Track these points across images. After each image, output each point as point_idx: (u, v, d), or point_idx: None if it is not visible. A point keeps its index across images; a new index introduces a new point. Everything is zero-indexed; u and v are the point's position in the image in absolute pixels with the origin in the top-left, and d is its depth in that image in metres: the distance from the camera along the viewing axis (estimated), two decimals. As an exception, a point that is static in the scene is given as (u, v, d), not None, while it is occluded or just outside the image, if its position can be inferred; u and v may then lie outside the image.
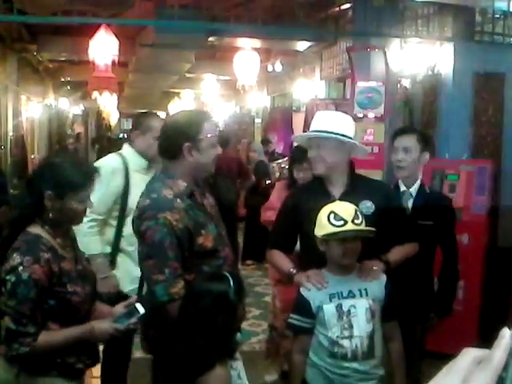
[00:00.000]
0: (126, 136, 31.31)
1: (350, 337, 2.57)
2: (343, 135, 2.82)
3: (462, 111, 5.86)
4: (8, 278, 2.15)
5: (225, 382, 2.21)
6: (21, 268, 2.14)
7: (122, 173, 3.47)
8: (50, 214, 2.25)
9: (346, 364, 2.58)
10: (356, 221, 2.54)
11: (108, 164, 3.50)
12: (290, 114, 11.92)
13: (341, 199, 2.79)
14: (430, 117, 6.18)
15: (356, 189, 2.87)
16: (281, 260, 3.02)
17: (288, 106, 12.40)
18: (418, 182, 3.47)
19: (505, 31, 5.93)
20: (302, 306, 2.68)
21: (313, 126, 2.93)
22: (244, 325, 5.42)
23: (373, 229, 2.56)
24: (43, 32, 10.01)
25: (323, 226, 2.58)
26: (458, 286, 3.82)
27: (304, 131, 8.80)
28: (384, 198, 2.91)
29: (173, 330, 2.28)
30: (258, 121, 14.36)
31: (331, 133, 2.83)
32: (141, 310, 2.34)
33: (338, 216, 2.55)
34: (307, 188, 3.16)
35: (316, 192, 2.94)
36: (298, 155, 4.38)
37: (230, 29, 7.07)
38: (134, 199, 2.91)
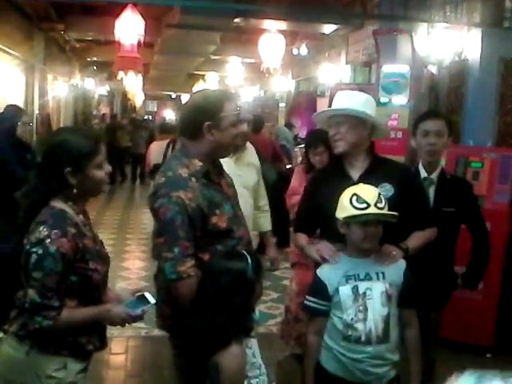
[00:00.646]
0: (150, 118, 31.61)
1: (365, 319, 2.55)
2: (363, 113, 2.80)
3: (488, 98, 5.78)
4: (34, 250, 2.12)
5: (240, 359, 2.22)
6: (48, 241, 2.12)
7: None
8: (75, 190, 2.25)
9: (360, 348, 2.56)
10: (379, 204, 2.51)
11: None
12: (315, 98, 11.86)
13: (359, 181, 2.76)
14: (456, 103, 6.11)
15: (375, 171, 2.83)
16: (304, 242, 3.03)
17: (312, 91, 12.34)
18: (439, 168, 3.44)
19: (534, 17, 5.81)
20: (319, 288, 2.66)
21: (333, 105, 2.91)
22: (262, 307, 5.53)
23: (396, 213, 2.52)
24: (70, 12, 10.08)
25: (345, 209, 2.55)
26: (486, 268, 3.78)
27: (328, 115, 8.76)
28: (404, 181, 2.86)
29: (189, 307, 2.29)
30: (282, 105, 14.31)
31: (351, 110, 2.81)
32: (151, 300, 2.34)
33: (360, 199, 2.52)
34: (327, 170, 3.14)
35: (335, 174, 2.92)
36: (313, 139, 4.38)
37: (257, 10, 7.02)
38: None
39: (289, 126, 11.17)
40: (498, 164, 5.21)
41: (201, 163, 2.54)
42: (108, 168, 2.35)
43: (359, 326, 2.56)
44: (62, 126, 13.32)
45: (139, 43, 7.67)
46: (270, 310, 5.70)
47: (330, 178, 2.94)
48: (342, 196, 2.60)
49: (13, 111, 5.69)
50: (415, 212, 2.86)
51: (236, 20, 7.86)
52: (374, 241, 2.60)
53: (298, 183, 4.30)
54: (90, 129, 3.30)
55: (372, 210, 2.50)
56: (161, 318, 2.64)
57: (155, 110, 34.11)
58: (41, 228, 2.15)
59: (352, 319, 2.57)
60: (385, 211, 2.53)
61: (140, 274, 6.77)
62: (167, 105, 32.65)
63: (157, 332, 3.39)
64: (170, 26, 8.65)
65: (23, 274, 2.18)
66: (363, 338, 2.56)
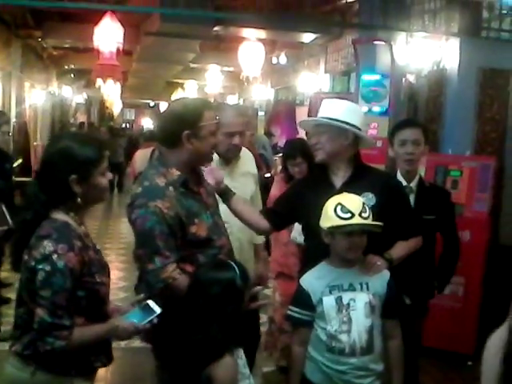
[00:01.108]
0: (128, 126, 31.43)
1: (349, 331, 2.53)
2: (345, 122, 2.77)
3: (467, 107, 5.84)
4: (41, 266, 2.01)
5: (233, 370, 2.20)
6: (55, 256, 2.01)
7: None
8: (79, 199, 2.15)
9: (344, 359, 2.53)
10: (363, 214, 2.49)
11: None
12: (294, 107, 11.90)
13: (341, 189, 2.74)
14: (435, 112, 6.15)
15: (358, 180, 2.81)
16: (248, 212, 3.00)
17: (292, 100, 12.38)
18: (418, 177, 3.45)
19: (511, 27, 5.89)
20: (302, 298, 2.63)
21: (319, 113, 2.89)
22: None
23: (380, 223, 2.51)
24: (49, 18, 10.00)
25: (329, 218, 2.52)
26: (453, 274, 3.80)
27: (307, 124, 8.80)
28: (387, 189, 2.84)
29: (177, 318, 2.25)
30: (261, 113, 14.33)
31: (332, 119, 2.78)
32: (156, 309, 2.25)
33: (345, 208, 2.49)
34: (312, 177, 3.12)
35: (319, 181, 2.90)
36: (291, 150, 4.36)
37: (237, 18, 7.03)
38: None
39: (268, 134, 11.18)
40: (477, 172, 5.25)
41: (178, 172, 2.52)
42: (109, 175, 2.27)
43: (343, 337, 2.53)
44: (38, 134, 13.18)
45: (118, 51, 7.62)
46: None
47: (314, 185, 2.92)
48: (326, 205, 2.58)
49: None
50: (399, 221, 2.83)
51: (215, 28, 7.85)
52: (358, 251, 2.58)
53: (278, 192, 4.25)
54: (91, 135, 3.24)
55: (356, 220, 2.48)
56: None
57: (133, 118, 33.97)
58: (45, 243, 2.04)
59: (336, 330, 2.54)
60: (369, 221, 2.51)
61: (118, 284, 6.69)
62: (145, 113, 32.53)
63: (137, 343, 3.33)
64: (149, 34, 8.62)
65: (26, 291, 2.08)
66: (347, 350, 2.53)
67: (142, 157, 7.33)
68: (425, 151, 3.48)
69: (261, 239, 3.71)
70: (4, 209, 4.78)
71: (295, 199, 2.95)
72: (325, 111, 2.85)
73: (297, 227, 3.92)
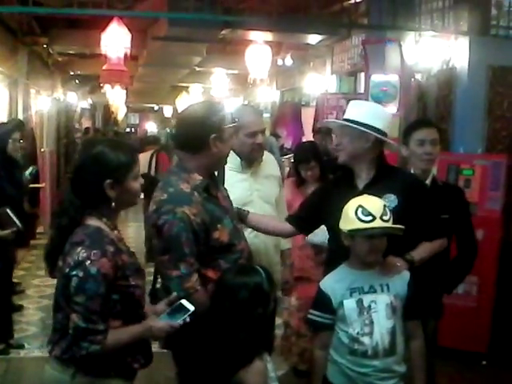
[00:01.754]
0: (133, 130, 31.47)
1: (371, 333, 2.53)
2: (367, 125, 2.77)
3: (477, 105, 5.82)
4: (74, 273, 2.06)
5: (263, 375, 2.21)
6: (88, 262, 2.05)
7: None
8: (113, 203, 2.20)
9: (367, 362, 2.53)
10: (384, 217, 2.48)
11: None
12: (300, 108, 11.88)
13: (364, 191, 2.73)
14: (445, 111, 6.14)
15: (380, 181, 2.81)
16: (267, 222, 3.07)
17: (297, 101, 12.36)
18: (431, 176, 3.45)
19: (521, 25, 5.88)
20: (323, 302, 2.63)
21: (344, 115, 2.91)
22: None
23: (402, 226, 2.50)
24: (55, 25, 10.00)
25: (350, 221, 2.52)
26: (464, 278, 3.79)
27: (313, 126, 8.81)
28: (410, 191, 2.83)
29: (205, 324, 2.25)
30: (266, 115, 14.33)
31: (354, 121, 2.79)
32: (190, 307, 2.25)
33: (365, 211, 2.48)
34: (338, 179, 3.12)
35: (344, 183, 2.92)
36: (303, 154, 4.37)
37: (246, 21, 7.02)
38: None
39: (274, 136, 11.16)
40: (489, 171, 5.25)
41: (200, 177, 2.52)
42: (141, 179, 2.30)
43: (365, 339, 2.53)
44: (45, 140, 13.20)
45: (126, 56, 7.62)
46: None
47: (338, 186, 2.94)
48: (346, 207, 2.58)
49: (3, 128, 5.71)
50: (422, 223, 2.82)
51: (222, 32, 7.86)
52: (378, 254, 2.58)
53: (290, 197, 4.23)
54: (123, 140, 3.29)
55: (377, 223, 2.47)
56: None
57: (137, 122, 34.01)
58: (78, 249, 2.08)
59: (358, 333, 2.54)
60: (390, 224, 2.50)
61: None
62: (149, 117, 32.55)
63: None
64: (156, 39, 8.62)
65: (63, 297, 2.12)
66: (370, 352, 2.53)
67: (142, 160, 7.40)
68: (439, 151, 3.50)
69: (287, 245, 3.68)
70: (10, 211, 4.80)
71: (320, 201, 2.96)
72: (348, 113, 2.87)
73: None
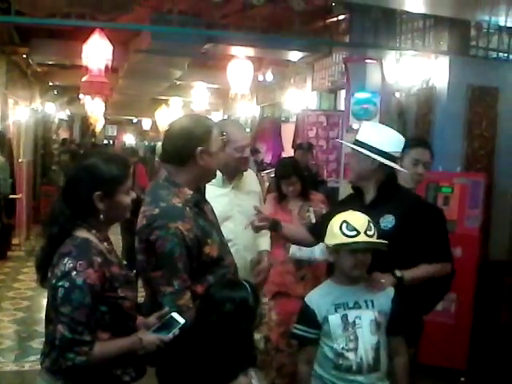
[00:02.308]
0: (111, 142, 31.28)
1: (355, 349, 2.53)
2: (372, 148, 2.84)
3: (456, 124, 5.91)
4: (60, 283, 2.05)
5: None
6: (74, 273, 2.04)
7: None
8: (101, 216, 2.19)
9: (351, 377, 2.53)
10: (368, 232, 2.51)
11: None
12: (279, 124, 11.93)
13: (366, 209, 2.77)
14: (424, 129, 6.22)
15: (382, 201, 2.88)
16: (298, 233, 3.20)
17: (277, 116, 12.42)
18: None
19: (499, 46, 5.99)
20: (308, 317, 2.63)
21: (356, 136, 3.00)
22: None
23: (385, 242, 2.52)
24: (35, 35, 9.94)
25: (335, 236, 2.55)
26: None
27: (293, 141, 8.86)
28: (411, 214, 2.86)
29: (189, 338, 2.23)
30: (246, 130, 14.38)
31: (361, 143, 2.88)
32: (180, 320, 2.23)
33: (350, 226, 2.51)
34: (350, 196, 3.18)
35: (353, 201, 3.01)
36: (284, 171, 4.38)
37: (229, 36, 7.07)
38: None
39: (254, 151, 11.18)
40: (468, 189, 5.32)
41: (191, 191, 2.50)
42: (133, 194, 2.29)
43: (350, 355, 2.54)
44: (22, 151, 13.07)
45: (107, 68, 7.62)
46: None
47: (349, 202, 3.01)
48: (331, 222, 2.61)
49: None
50: (421, 245, 2.84)
51: (205, 46, 7.89)
52: (363, 268, 2.59)
53: (272, 212, 4.21)
54: (118, 154, 3.25)
55: (362, 237, 2.50)
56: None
57: (115, 134, 33.81)
58: (65, 260, 2.08)
59: (343, 348, 2.55)
60: (374, 239, 2.53)
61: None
62: (127, 129, 32.39)
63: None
64: (138, 51, 8.62)
65: (52, 308, 2.11)
66: (354, 367, 2.53)
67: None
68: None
69: (264, 246, 3.67)
70: None
71: (333, 215, 2.99)
72: (360, 134, 2.95)
73: None
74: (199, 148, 2.46)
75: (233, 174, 3.35)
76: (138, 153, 10.76)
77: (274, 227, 3.11)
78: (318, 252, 3.97)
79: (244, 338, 2.22)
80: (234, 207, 3.31)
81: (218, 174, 3.19)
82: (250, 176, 3.59)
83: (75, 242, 2.14)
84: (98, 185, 2.16)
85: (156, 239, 2.32)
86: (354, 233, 2.50)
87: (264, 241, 3.63)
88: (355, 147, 2.88)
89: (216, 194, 3.20)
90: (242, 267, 3.18)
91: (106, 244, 2.25)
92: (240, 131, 3.35)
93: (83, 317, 2.04)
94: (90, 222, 2.20)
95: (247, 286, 2.29)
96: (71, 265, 2.06)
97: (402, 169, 3.13)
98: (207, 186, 3.10)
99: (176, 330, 2.20)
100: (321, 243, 3.82)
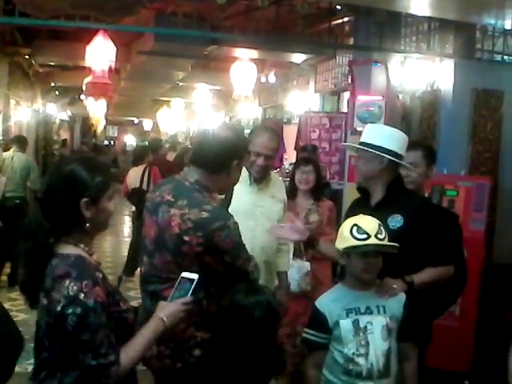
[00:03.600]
0: (112, 143, 31.29)
1: (366, 354, 2.52)
2: (381, 148, 2.84)
3: (461, 127, 5.91)
4: (70, 311, 1.85)
5: None
6: (82, 295, 1.85)
7: None
8: (88, 225, 2.00)
9: (361, 382, 2.52)
10: (379, 235, 2.50)
11: None
12: (282, 125, 11.92)
13: (374, 210, 2.78)
14: (428, 132, 6.22)
15: (390, 201, 2.87)
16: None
17: (279, 118, 12.42)
18: None
19: (504, 49, 6.00)
20: (318, 321, 2.62)
21: (361, 138, 2.98)
22: None
23: (396, 244, 2.52)
24: (38, 36, 9.95)
25: (345, 239, 2.54)
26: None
27: (296, 143, 8.85)
28: (418, 214, 2.86)
29: (225, 346, 2.21)
30: (247, 131, 14.35)
31: (368, 144, 2.86)
32: (193, 276, 2.15)
33: (360, 229, 2.51)
34: (358, 198, 3.18)
35: (361, 202, 3.01)
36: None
37: (233, 38, 7.07)
38: (233, 207, 3.09)
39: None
40: (473, 192, 5.30)
41: (221, 197, 2.67)
42: (117, 199, 2.18)
43: (361, 360, 2.52)
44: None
45: (110, 69, 7.62)
46: None
47: (357, 206, 3.02)
48: (342, 226, 2.61)
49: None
50: (427, 246, 2.83)
51: (208, 48, 7.89)
52: (373, 272, 2.58)
53: None
54: (100, 158, 3.11)
55: (372, 240, 2.49)
56: (157, 360, 2.47)
57: (116, 135, 33.83)
58: (66, 283, 1.88)
59: (353, 353, 2.53)
60: (385, 242, 2.52)
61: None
62: (128, 130, 32.41)
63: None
64: (141, 53, 8.62)
65: (47, 337, 1.93)
66: (364, 373, 2.52)
67: (134, 174, 7.44)
68: (429, 173, 3.51)
69: (285, 267, 3.68)
70: None
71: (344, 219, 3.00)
72: (364, 136, 2.95)
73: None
74: (236, 161, 2.53)
75: (255, 178, 3.39)
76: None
77: (311, 243, 3.09)
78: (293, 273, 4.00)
79: (272, 341, 2.21)
80: (257, 207, 3.35)
81: (247, 172, 3.32)
82: (278, 183, 3.65)
83: (69, 262, 1.94)
84: (84, 191, 1.98)
85: (224, 239, 2.39)
86: (365, 236, 2.50)
87: (283, 260, 3.64)
88: (364, 147, 2.86)
89: (242, 191, 3.28)
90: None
91: (95, 257, 2.09)
92: (262, 138, 3.34)
93: (103, 337, 1.89)
94: (74, 235, 2.01)
95: (266, 289, 2.29)
96: (75, 287, 1.87)
97: (410, 166, 3.13)
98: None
99: (193, 288, 2.13)
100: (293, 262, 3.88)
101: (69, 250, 1.98)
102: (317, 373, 2.63)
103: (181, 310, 2.10)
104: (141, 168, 7.47)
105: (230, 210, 3.26)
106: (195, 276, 2.15)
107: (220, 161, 2.51)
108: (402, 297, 2.66)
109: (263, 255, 3.32)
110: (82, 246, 2.01)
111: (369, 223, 2.54)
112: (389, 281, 2.66)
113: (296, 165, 4.54)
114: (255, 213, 3.33)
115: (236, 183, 2.68)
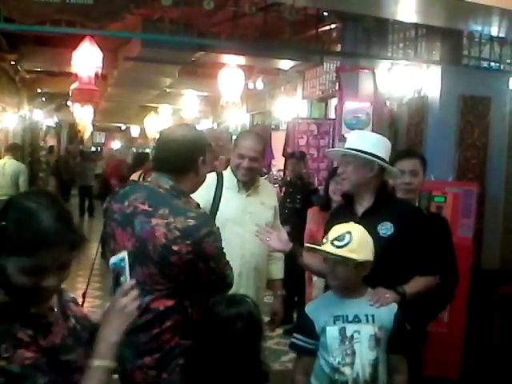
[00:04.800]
0: (99, 149, 31.11)
1: (352, 364, 2.46)
2: (371, 154, 2.80)
3: (448, 134, 5.93)
4: None
5: None
6: (4, 363, 1.48)
7: (212, 188, 3.33)
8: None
9: None
10: (336, 242, 2.47)
11: None
12: (269, 132, 11.91)
13: (362, 218, 2.75)
14: (416, 139, 6.23)
15: (379, 209, 2.83)
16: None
17: (267, 124, 12.42)
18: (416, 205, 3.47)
19: (491, 56, 6.02)
20: (306, 326, 2.59)
21: (346, 144, 2.94)
22: (270, 344, 5.40)
23: (351, 257, 2.44)
24: (24, 42, 9.88)
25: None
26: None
27: (284, 150, 8.84)
28: (407, 222, 2.82)
29: (201, 361, 2.17)
30: (235, 138, 14.35)
31: (359, 151, 2.82)
32: (120, 255, 1.79)
33: (326, 235, 2.54)
34: (341, 207, 3.15)
35: (345, 211, 2.95)
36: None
37: (220, 45, 7.05)
38: (222, 213, 3.19)
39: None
40: (461, 198, 5.31)
41: (195, 201, 2.52)
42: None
43: (346, 370, 2.46)
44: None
45: (97, 75, 7.57)
46: (279, 346, 5.58)
47: (340, 214, 2.95)
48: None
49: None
50: (416, 256, 2.80)
51: (195, 54, 7.87)
52: (337, 279, 2.54)
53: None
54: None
55: (326, 247, 2.49)
56: (140, 371, 2.37)
57: (103, 141, 33.65)
58: None
59: (339, 362, 2.47)
60: (337, 250, 2.46)
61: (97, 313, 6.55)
62: (115, 136, 32.26)
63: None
64: (128, 59, 8.58)
65: None
66: (350, 383, 2.46)
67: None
68: (423, 181, 3.52)
69: (279, 275, 3.62)
70: None
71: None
72: (351, 142, 2.89)
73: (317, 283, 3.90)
74: (201, 157, 2.47)
75: (243, 183, 3.36)
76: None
77: (294, 252, 3.01)
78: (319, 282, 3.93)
79: (254, 353, 2.17)
80: (246, 214, 3.31)
81: (235, 179, 3.33)
82: (268, 189, 3.62)
83: None
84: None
85: (210, 245, 2.35)
86: (324, 241, 2.52)
87: (276, 267, 3.59)
88: (359, 153, 2.81)
89: (231, 197, 3.29)
90: (246, 273, 3.26)
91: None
92: (247, 141, 3.34)
93: None
94: None
95: (248, 299, 2.25)
96: None
97: (398, 173, 3.10)
98: (224, 189, 3.30)
99: (126, 267, 1.76)
100: None
101: None
102: (304, 379, 2.59)
103: (133, 297, 1.71)
104: (137, 174, 7.45)
105: (218, 216, 3.26)
106: (122, 254, 1.80)
107: (184, 161, 2.46)
108: (394, 307, 2.59)
109: (253, 261, 3.30)
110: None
111: (337, 230, 2.52)
112: (381, 290, 2.62)
113: (330, 175, 4.45)
114: (244, 219, 3.29)
115: (204, 179, 2.60)
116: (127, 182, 6.04)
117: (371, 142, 2.86)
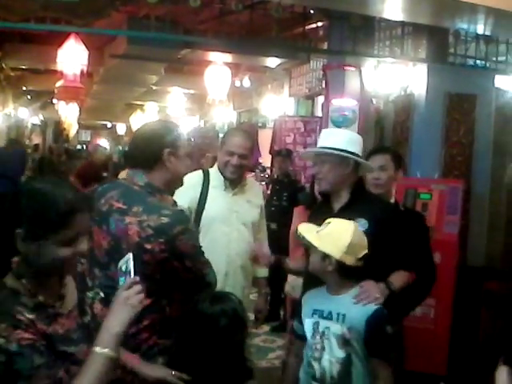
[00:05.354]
0: (84, 147, 30.93)
1: (320, 359, 2.49)
2: (345, 151, 2.81)
3: (434, 131, 5.95)
4: None
5: None
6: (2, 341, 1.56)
7: (198, 187, 3.32)
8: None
9: None
10: (316, 229, 2.56)
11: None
12: (256, 129, 11.92)
13: (337, 214, 2.75)
14: (402, 136, 6.25)
15: (354, 205, 2.83)
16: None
17: (254, 122, 12.42)
18: (392, 201, 3.49)
19: (477, 54, 6.06)
20: (298, 312, 2.68)
21: (318, 143, 2.93)
22: (257, 341, 5.42)
23: (313, 243, 2.50)
24: (8, 40, 9.80)
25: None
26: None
27: (271, 147, 8.84)
28: (381, 218, 2.80)
29: (186, 358, 2.16)
30: (222, 136, 14.33)
31: (333, 149, 2.82)
32: (126, 257, 1.84)
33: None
34: (319, 204, 3.18)
35: (322, 207, 2.97)
36: None
37: (207, 42, 7.04)
38: (208, 212, 3.20)
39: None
40: (447, 195, 5.34)
41: (172, 199, 2.51)
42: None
43: (315, 364, 2.51)
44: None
45: (82, 73, 7.52)
46: (266, 344, 5.65)
47: (319, 211, 2.98)
48: None
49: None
50: (391, 252, 2.78)
51: (181, 51, 7.85)
52: (309, 264, 2.60)
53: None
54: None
55: (305, 231, 2.59)
56: (123, 370, 2.25)
57: (88, 139, 33.44)
58: None
59: (310, 356, 2.53)
60: (308, 235, 2.54)
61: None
62: (101, 134, 32.07)
63: None
64: (114, 56, 8.53)
65: None
66: (317, 377, 2.51)
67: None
68: (395, 177, 3.53)
69: (263, 273, 3.61)
70: None
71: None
72: (324, 141, 2.89)
73: (290, 281, 3.91)
74: (167, 150, 2.41)
75: (230, 180, 3.34)
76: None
77: (278, 263, 3.12)
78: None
79: (239, 350, 2.17)
80: (232, 212, 3.31)
81: (221, 177, 3.31)
82: (255, 187, 3.62)
83: None
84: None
85: (184, 243, 2.31)
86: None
87: (261, 267, 3.57)
88: (334, 151, 2.81)
89: (217, 196, 3.29)
90: (232, 271, 3.26)
91: (40, 298, 1.73)
92: (236, 138, 3.31)
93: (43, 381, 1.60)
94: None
95: (233, 296, 2.26)
96: None
97: (374, 168, 3.16)
98: (211, 188, 3.28)
99: (131, 266, 1.79)
100: None
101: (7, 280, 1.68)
102: (295, 361, 2.68)
103: (137, 292, 1.74)
104: (125, 172, 7.39)
105: (204, 215, 3.25)
106: (129, 255, 1.84)
107: (149, 154, 2.42)
108: (369, 310, 2.48)
109: (239, 260, 3.30)
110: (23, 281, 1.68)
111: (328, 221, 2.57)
112: (371, 285, 2.58)
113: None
114: (230, 218, 3.30)
115: (182, 174, 2.54)
116: (92, 186, 5.87)
117: (344, 139, 2.87)
